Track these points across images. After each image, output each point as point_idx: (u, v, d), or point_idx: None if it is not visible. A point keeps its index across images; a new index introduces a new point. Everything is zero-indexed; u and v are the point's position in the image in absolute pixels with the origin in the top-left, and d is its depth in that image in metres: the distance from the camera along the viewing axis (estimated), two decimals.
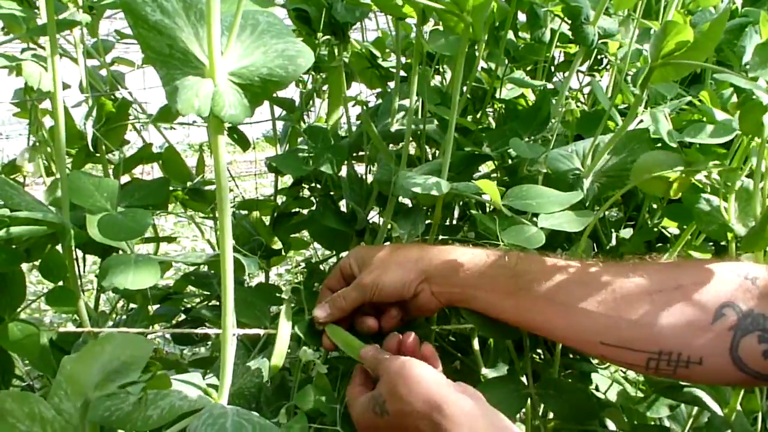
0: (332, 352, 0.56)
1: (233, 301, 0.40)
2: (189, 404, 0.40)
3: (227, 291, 0.39)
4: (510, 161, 0.71)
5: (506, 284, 0.51)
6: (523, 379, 0.57)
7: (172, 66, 0.33)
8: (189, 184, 0.72)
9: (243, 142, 0.77)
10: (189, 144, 2.01)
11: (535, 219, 0.54)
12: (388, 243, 0.67)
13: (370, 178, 0.71)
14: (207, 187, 0.74)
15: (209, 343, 1.25)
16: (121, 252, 0.51)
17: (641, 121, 0.61)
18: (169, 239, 0.76)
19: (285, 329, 0.55)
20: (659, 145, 0.56)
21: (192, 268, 0.78)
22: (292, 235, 0.78)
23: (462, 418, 0.42)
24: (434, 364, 0.50)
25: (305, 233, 0.86)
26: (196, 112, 0.32)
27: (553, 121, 0.64)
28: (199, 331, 0.54)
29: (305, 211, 0.78)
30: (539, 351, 0.67)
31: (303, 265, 0.88)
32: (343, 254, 0.81)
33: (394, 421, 0.45)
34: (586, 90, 0.80)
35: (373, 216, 0.71)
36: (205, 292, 0.79)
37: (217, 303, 0.71)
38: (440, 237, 0.64)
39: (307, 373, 0.59)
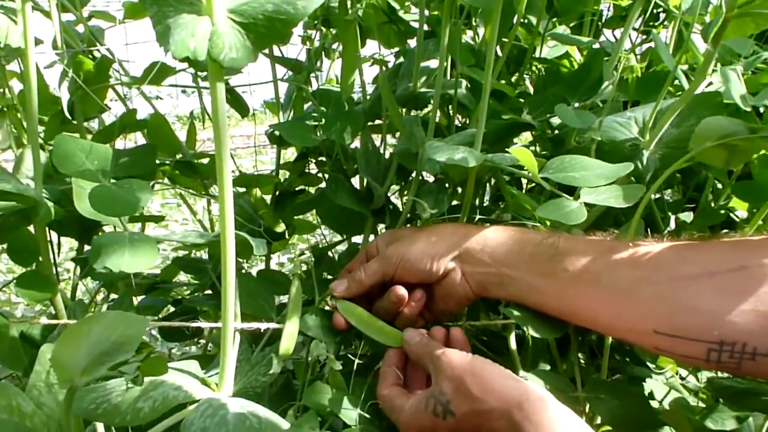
0: (344, 335, 0.56)
1: (235, 286, 0.39)
2: (185, 395, 0.39)
3: (228, 275, 0.37)
4: (551, 132, 0.68)
5: (546, 264, 0.50)
6: None
7: (163, 2, 0.30)
8: (179, 156, 0.70)
9: (241, 108, 0.75)
10: (177, 116, 1.99)
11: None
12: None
13: (388, 150, 0.69)
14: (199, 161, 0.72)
15: (201, 341, 1.26)
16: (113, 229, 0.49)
17: (710, 84, 0.58)
18: (156, 219, 0.73)
19: (296, 308, 0.55)
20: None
21: (182, 253, 0.76)
22: (297, 217, 0.77)
23: (543, 417, 0.41)
24: (466, 350, 0.50)
25: (310, 215, 0.84)
26: (191, 55, 0.29)
27: (605, 84, 0.61)
28: (193, 324, 0.52)
29: (312, 189, 0.76)
30: (579, 355, 0.66)
31: (308, 253, 0.86)
32: (356, 239, 0.81)
33: (462, 423, 0.45)
34: (640, 50, 0.77)
35: (391, 196, 0.69)
36: (196, 282, 0.78)
37: (212, 292, 0.70)
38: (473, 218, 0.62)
39: (313, 374, 0.58)
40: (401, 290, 0.54)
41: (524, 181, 0.76)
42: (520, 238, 0.53)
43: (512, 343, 0.59)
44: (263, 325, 0.54)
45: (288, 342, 0.53)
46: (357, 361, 0.56)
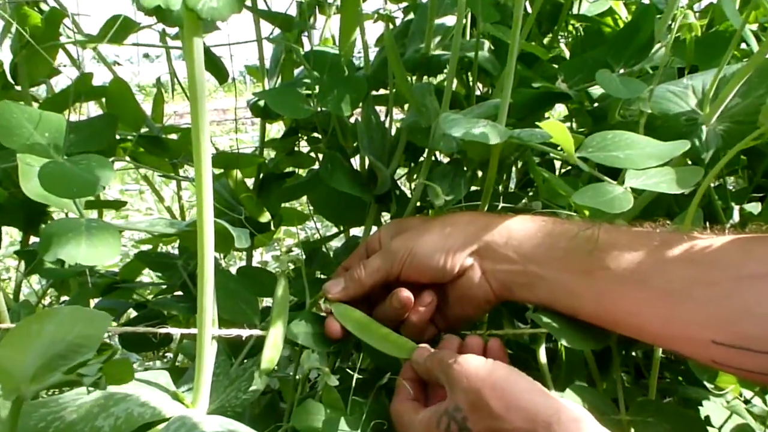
0: (339, 343, 0.56)
1: (213, 286, 0.40)
2: (153, 412, 0.40)
3: (206, 270, 0.37)
4: (591, 104, 0.68)
5: (583, 261, 0.50)
6: None
7: None
8: (143, 130, 0.71)
9: (219, 72, 0.75)
10: (138, 85, 2.00)
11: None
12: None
13: (394, 125, 0.69)
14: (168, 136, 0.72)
15: (168, 354, 1.27)
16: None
17: None
18: (116, 204, 0.73)
19: (282, 312, 0.55)
20: None
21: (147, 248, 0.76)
22: (285, 205, 0.77)
23: None
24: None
25: (299, 204, 0.84)
26: (163, 3, 0.29)
27: (657, 46, 0.61)
28: (162, 330, 0.52)
29: (303, 172, 0.76)
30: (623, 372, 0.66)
31: (297, 250, 0.87)
32: (355, 231, 0.81)
33: None
34: (699, 6, 0.77)
35: (397, 179, 0.69)
36: (163, 281, 0.78)
37: (183, 293, 0.71)
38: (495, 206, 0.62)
39: (304, 392, 0.59)
40: (405, 293, 0.54)
41: (558, 164, 0.77)
42: (552, 230, 0.53)
43: (542, 357, 0.59)
44: (245, 332, 0.55)
45: (272, 352, 0.54)
46: (356, 375, 0.56)
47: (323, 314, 0.57)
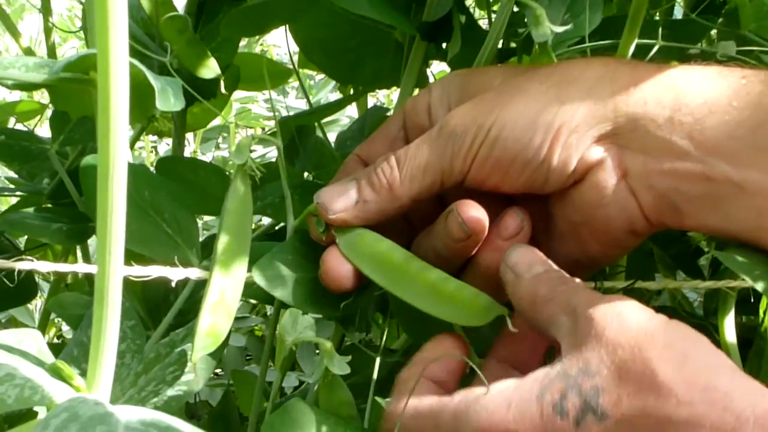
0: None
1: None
2: (18, 396, 0.41)
3: (113, 153, 0.38)
4: None
5: None
6: None
7: None
8: None
9: None
10: None
11: None
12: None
13: None
14: None
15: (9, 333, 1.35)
16: None
17: None
18: None
19: (238, 241, 0.57)
20: None
21: None
22: (245, 49, 0.77)
23: None
24: None
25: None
26: None
27: None
28: (22, 265, 0.53)
29: None
30: None
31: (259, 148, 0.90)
32: (378, 98, 0.80)
33: None
34: None
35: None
36: (20, 184, 0.79)
37: (54, 204, 0.72)
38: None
39: (277, 399, 0.63)
40: (473, 210, 0.56)
41: None
42: (762, 96, 0.52)
43: (728, 335, 0.61)
44: (176, 272, 0.56)
45: (215, 316, 0.55)
46: (378, 359, 0.59)
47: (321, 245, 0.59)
